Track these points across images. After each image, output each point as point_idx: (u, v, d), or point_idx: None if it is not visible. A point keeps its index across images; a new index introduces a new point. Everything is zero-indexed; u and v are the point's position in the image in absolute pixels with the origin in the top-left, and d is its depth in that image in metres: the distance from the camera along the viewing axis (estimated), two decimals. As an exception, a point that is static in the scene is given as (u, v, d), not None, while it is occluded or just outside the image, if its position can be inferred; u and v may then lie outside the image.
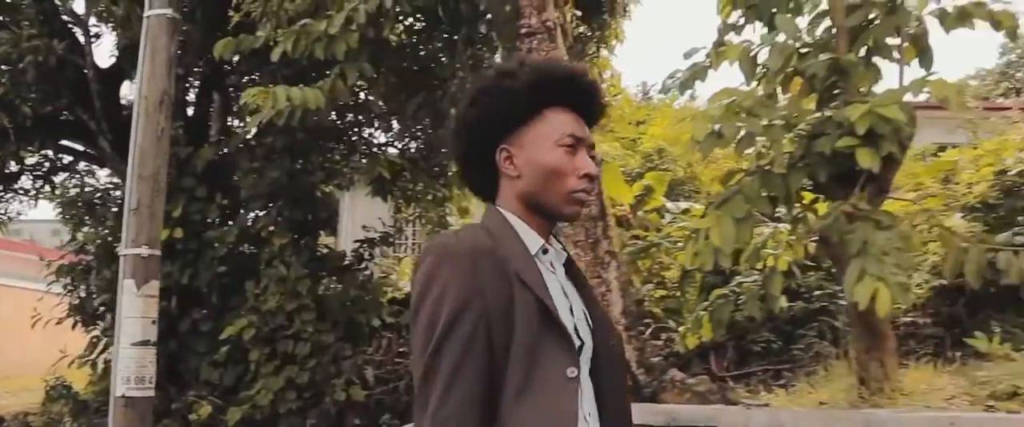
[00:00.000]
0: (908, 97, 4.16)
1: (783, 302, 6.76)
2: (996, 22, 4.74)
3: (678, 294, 8.56)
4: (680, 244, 8.12)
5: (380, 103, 8.67)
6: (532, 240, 1.64)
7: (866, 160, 3.63)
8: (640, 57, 29.22)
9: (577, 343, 1.55)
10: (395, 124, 10.27)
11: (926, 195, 9.13)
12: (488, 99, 1.68)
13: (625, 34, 9.51)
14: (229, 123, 9.40)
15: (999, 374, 4.45)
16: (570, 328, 1.56)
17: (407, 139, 10.50)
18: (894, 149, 3.75)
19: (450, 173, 10.32)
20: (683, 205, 9.86)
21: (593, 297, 1.70)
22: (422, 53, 7.19)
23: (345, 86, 5.44)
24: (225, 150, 8.53)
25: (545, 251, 1.65)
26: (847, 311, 4.49)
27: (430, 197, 10.53)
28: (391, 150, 10.40)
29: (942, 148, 12.40)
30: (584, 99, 1.70)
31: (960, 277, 5.05)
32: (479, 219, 1.71)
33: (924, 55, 4.80)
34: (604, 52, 9.46)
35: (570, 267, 1.71)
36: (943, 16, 4.75)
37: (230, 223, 8.31)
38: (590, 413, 1.57)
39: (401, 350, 8.58)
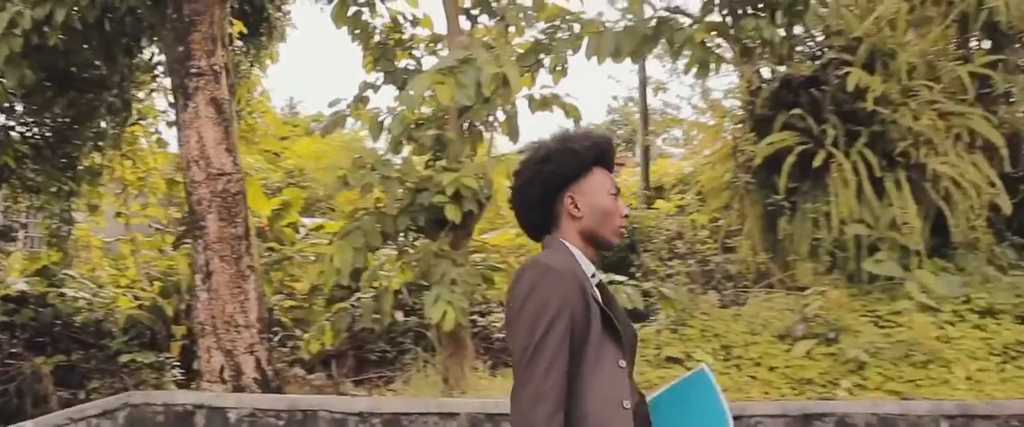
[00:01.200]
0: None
1: (399, 316, 8.30)
2: (566, 110, 6.73)
3: (306, 305, 9.76)
4: (313, 258, 9.40)
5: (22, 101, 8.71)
6: (587, 266, 2.37)
7: (452, 214, 5.25)
8: (288, 72, 30.06)
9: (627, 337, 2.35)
10: (18, 106, 10.06)
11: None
12: (559, 158, 2.44)
13: (279, 54, 10.61)
14: None
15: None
16: (625, 330, 2.34)
17: (32, 124, 10.32)
18: (473, 207, 5.43)
19: (80, 167, 10.44)
20: (317, 221, 11.09)
21: (616, 300, 2.48)
22: (78, 56, 7.56)
23: (3, 90, 5.91)
24: None
25: (594, 275, 2.36)
26: (436, 326, 6.06)
27: (55, 189, 10.51)
28: (13, 134, 10.15)
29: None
30: (612, 161, 2.53)
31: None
32: (549, 247, 2.42)
33: (513, 131, 6.63)
34: (256, 70, 10.45)
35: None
36: (531, 101, 6.61)
37: None
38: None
39: (13, 351, 8.72)
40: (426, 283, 7.66)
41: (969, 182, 6.72)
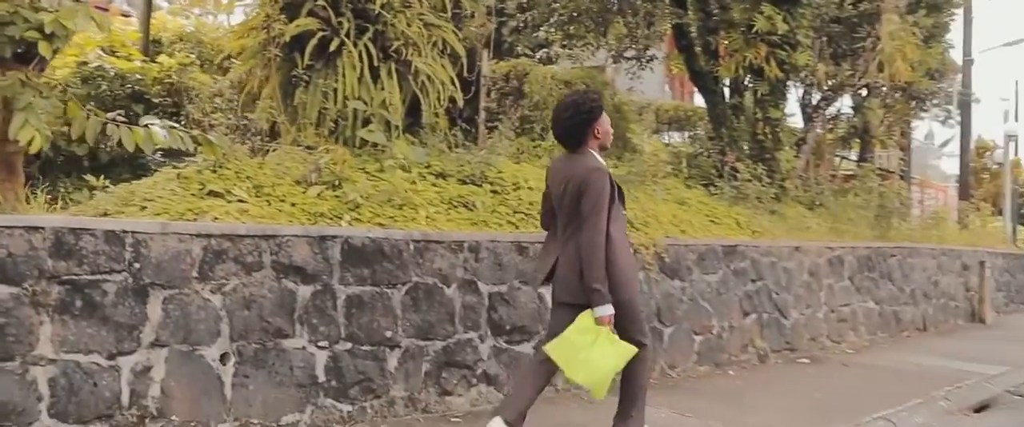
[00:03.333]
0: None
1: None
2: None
3: None
4: None
5: None
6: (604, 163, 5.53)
7: (45, 50, 6.33)
8: None
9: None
10: None
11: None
12: (594, 110, 5.50)
13: None
14: None
15: (91, 207, 7.60)
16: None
17: None
18: (61, 45, 6.53)
19: None
20: None
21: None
22: None
23: None
24: None
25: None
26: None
27: None
28: None
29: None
30: None
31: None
32: (587, 154, 5.53)
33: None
34: None
35: None
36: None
37: None
38: None
39: None
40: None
41: (438, 79, 9.48)
